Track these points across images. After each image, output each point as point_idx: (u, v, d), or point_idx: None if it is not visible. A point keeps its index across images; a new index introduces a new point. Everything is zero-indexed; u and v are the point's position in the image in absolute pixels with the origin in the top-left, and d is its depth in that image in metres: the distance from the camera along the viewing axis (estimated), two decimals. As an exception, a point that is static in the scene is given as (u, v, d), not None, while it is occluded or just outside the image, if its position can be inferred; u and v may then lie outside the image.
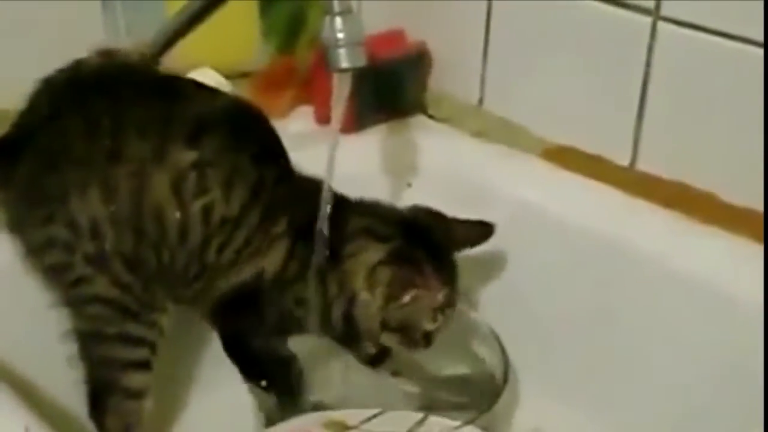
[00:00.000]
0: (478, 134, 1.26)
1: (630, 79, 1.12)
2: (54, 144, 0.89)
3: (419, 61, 1.30)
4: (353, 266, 0.94)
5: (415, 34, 1.30)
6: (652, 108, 1.12)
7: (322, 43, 0.87)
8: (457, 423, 0.92)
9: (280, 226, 0.93)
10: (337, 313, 0.95)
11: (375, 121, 1.27)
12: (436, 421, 0.92)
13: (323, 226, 0.92)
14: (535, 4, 1.18)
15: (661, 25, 1.09)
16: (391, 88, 1.28)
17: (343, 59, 0.87)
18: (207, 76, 1.15)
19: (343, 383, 1.07)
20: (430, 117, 1.31)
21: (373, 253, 0.94)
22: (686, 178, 1.10)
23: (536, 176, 1.19)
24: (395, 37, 1.30)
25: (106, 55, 0.97)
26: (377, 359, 0.98)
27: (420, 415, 0.93)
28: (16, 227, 0.92)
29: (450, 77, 1.30)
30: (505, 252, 1.16)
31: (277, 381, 0.99)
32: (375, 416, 0.93)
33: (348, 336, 0.97)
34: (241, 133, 0.91)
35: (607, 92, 1.15)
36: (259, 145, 0.93)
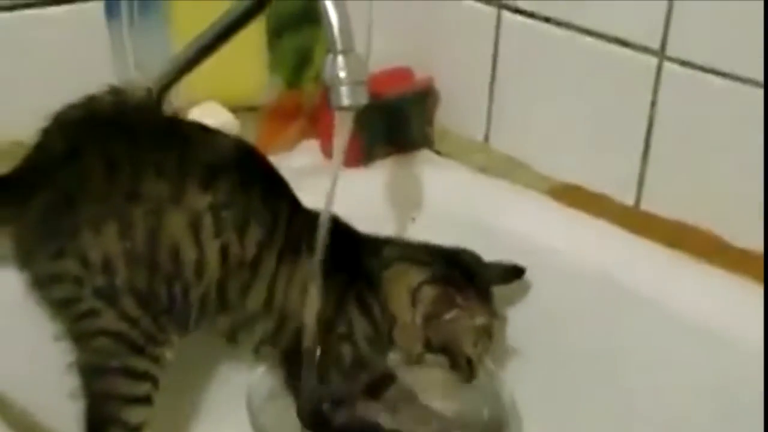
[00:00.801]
0: (484, 170, 1.26)
1: (635, 118, 1.12)
2: (71, 181, 0.90)
3: (426, 96, 1.30)
4: (394, 289, 0.98)
5: (422, 71, 1.31)
6: (656, 147, 1.12)
7: (323, 81, 0.87)
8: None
9: (302, 271, 0.95)
10: (384, 335, 0.99)
11: (381, 156, 1.27)
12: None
13: (320, 255, 0.92)
14: (542, 42, 1.19)
15: (666, 65, 1.09)
16: (397, 123, 1.29)
17: (345, 97, 0.87)
18: (212, 110, 1.15)
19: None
20: (436, 152, 1.31)
21: (415, 276, 0.98)
22: (689, 218, 1.10)
23: (540, 213, 1.19)
24: (403, 73, 1.31)
25: (116, 93, 0.99)
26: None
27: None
28: (24, 260, 0.93)
29: (456, 113, 1.30)
30: (507, 288, 1.15)
31: None
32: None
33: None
34: (251, 175, 0.94)
35: (613, 131, 1.16)
36: (268, 185, 0.95)
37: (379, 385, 1.04)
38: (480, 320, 0.98)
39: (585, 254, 1.13)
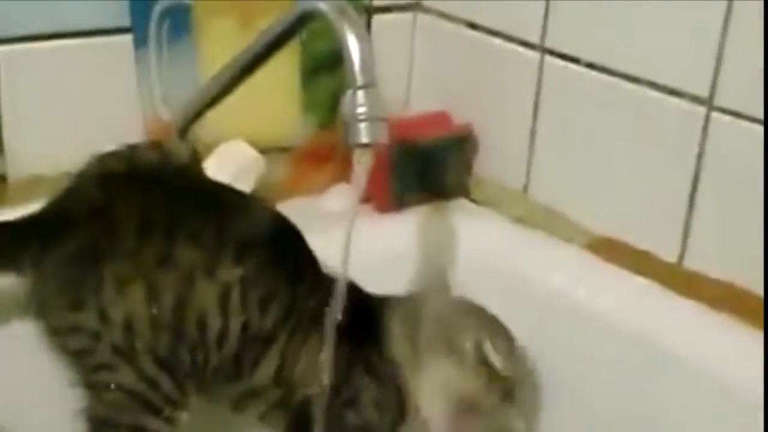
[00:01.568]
0: (521, 221, 1.21)
1: (680, 170, 1.07)
2: (101, 234, 0.87)
3: (464, 143, 1.26)
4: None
5: (461, 116, 1.27)
6: (702, 202, 1.06)
7: (341, 117, 0.84)
8: None
9: (315, 340, 0.91)
10: (394, 397, 0.94)
11: (415, 202, 1.23)
12: None
13: (336, 312, 0.89)
14: (587, 90, 1.14)
15: (714, 115, 1.04)
16: (433, 169, 1.25)
17: (364, 134, 0.83)
18: (239, 150, 1.13)
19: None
20: (473, 201, 1.27)
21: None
22: (735, 278, 1.04)
23: (579, 268, 1.14)
24: (441, 118, 1.27)
25: (160, 149, 0.96)
26: None
27: None
28: (41, 307, 0.90)
29: (495, 161, 1.26)
30: (542, 344, 1.09)
31: None
32: None
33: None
34: (280, 252, 0.91)
35: (656, 184, 1.10)
36: (294, 263, 0.92)
37: None
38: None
39: (623, 311, 1.07)
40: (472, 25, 1.25)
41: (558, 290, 1.12)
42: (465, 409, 0.94)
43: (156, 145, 0.96)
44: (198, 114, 1.07)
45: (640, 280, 1.09)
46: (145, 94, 1.14)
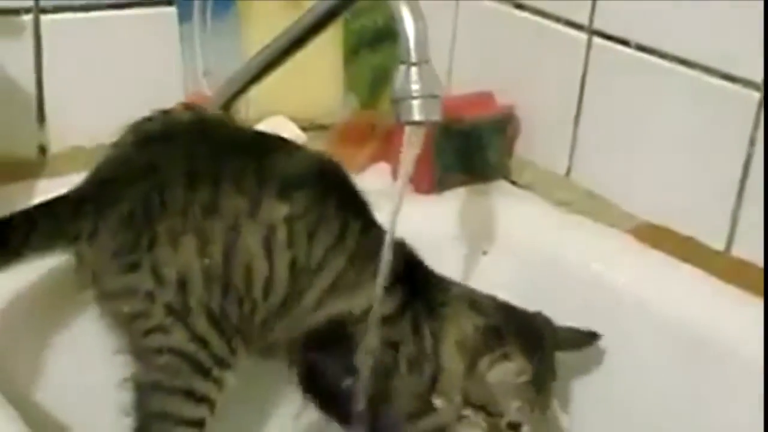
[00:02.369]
0: (563, 205, 1.19)
1: (731, 156, 1.05)
2: (151, 194, 0.88)
3: (506, 124, 1.24)
4: (449, 331, 0.94)
5: (504, 97, 1.25)
6: (752, 189, 1.04)
7: (393, 94, 0.82)
8: None
9: (369, 272, 0.91)
10: (427, 371, 0.94)
11: (455, 183, 1.22)
12: None
13: (383, 279, 0.89)
14: (635, 73, 1.12)
15: (768, 100, 1.02)
16: (474, 151, 1.23)
17: (417, 111, 0.82)
18: (281, 126, 1.12)
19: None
20: (514, 183, 1.25)
21: (468, 321, 0.94)
22: (786, 267, 1.02)
23: (622, 255, 1.12)
24: (483, 99, 1.25)
25: (191, 107, 0.97)
26: None
27: None
28: (95, 273, 0.90)
29: (538, 144, 1.24)
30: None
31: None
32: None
33: (422, 401, 0.95)
34: (327, 187, 0.92)
35: (706, 170, 1.08)
36: (343, 197, 0.93)
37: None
38: (524, 377, 0.92)
39: (668, 300, 1.05)
40: (519, 5, 1.23)
41: (599, 277, 1.10)
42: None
43: (188, 106, 0.97)
44: (241, 90, 1.06)
45: (685, 267, 1.07)
46: (188, 67, 1.13)
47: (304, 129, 1.14)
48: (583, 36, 1.16)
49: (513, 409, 0.93)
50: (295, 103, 1.17)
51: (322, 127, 1.21)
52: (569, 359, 1.02)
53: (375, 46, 1.23)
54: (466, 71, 1.30)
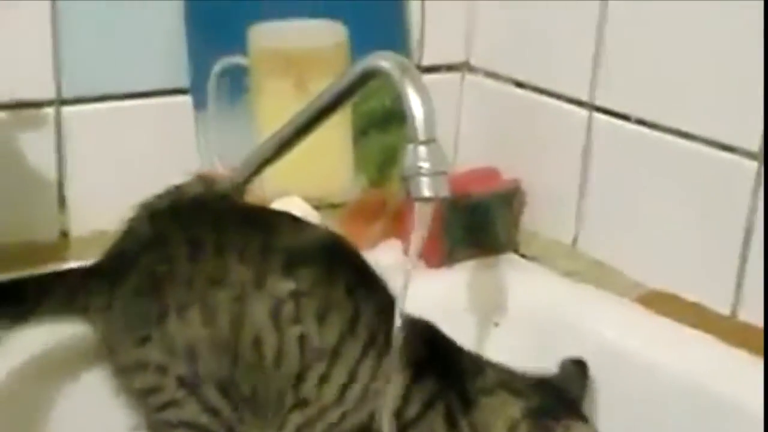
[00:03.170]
0: (571, 275, 1.21)
1: (732, 224, 1.07)
2: (158, 267, 0.89)
3: (512, 198, 1.27)
4: (493, 423, 0.93)
5: (509, 172, 1.28)
6: (755, 254, 1.06)
7: (403, 173, 0.85)
8: None
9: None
10: None
11: (464, 257, 1.24)
12: None
13: (394, 356, 0.89)
14: (636, 146, 1.16)
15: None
16: (482, 225, 1.26)
17: (426, 188, 0.84)
18: (294, 205, 1.14)
19: None
20: (522, 255, 1.27)
21: (514, 408, 0.93)
22: (791, 330, 1.04)
23: (630, 321, 1.13)
24: (489, 174, 1.28)
25: (203, 180, 0.99)
26: None
27: None
28: (110, 348, 0.92)
29: (544, 216, 1.27)
30: (594, 399, 1.09)
31: None
32: None
33: None
34: (335, 267, 0.92)
35: (708, 237, 1.11)
36: (353, 278, 0.92)
37: None
38: None
39: (676, 365, 1.06)
40: (520, 84, 1.27)
41: (609, 344, 1.11)
42: None
43: (200, 177, 0.99)
44: (255, 171, 1.08)
45: (693, 332, 1.09)
46: (203, 151, 1.17)
47: (316, 207, 1.17)
48: (584, 112, 1.20)
49: None
50: (307, 182, 1.20)
51: (333, 206, 1.24)
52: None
53: (383, 127, 1.26)
54: (470, 148, 1.33)
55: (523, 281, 1.21)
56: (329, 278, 0.90)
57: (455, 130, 1.34)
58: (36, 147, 1.10)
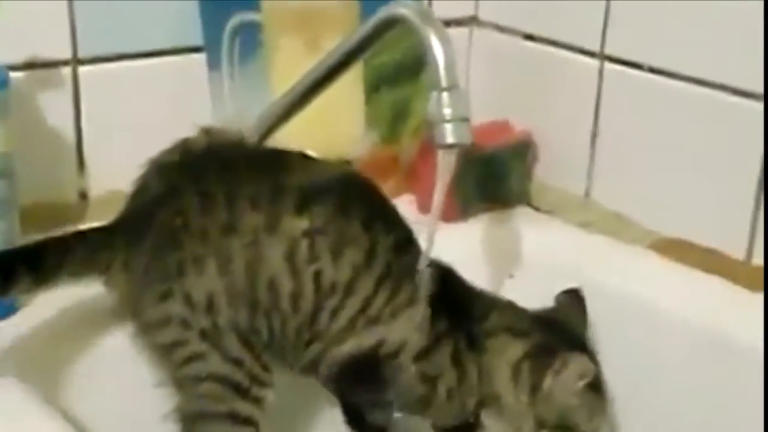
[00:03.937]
0: (585, 226, 1.22)
1: (745, 168, 1.08)
2: (172, 221, 0.89)
3: (524, 150, 1.28)
4: (497, 364, 0.95)
5: (521, 124, 1.29)
6: (769, 199, 1.07)
7: (427, 119, 0.86)
8: None
9: (404, 296, 0.91)
10: (470, 403, 0.95)
11: (478, 210, 1.25)
12: None
13: (422, 305, 0.90)
14: (648, 94, 1.16)
15: (780, 113, 1.05)
16: (495, 178, 1.26)
17: (450, 135, 0.85)
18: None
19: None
20: (535, 208, 1.28)
21: (515, 350, 0.95)
22: (806, 272, 1.05)
23: (645, 269, 1.15)
24: (500, 126, 1.29)
25: (210, 133, 0.98)
26: None
27: None
28: (133, 307, 0.92)
29: (556, 168, 1.28)
30: (611, 347, 1.10)
31: None
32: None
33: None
34: (350, 201, 0.91)
35: (721, 182, 1.12)
36: (369, 212, 0.92)
37: None
38: (585, 378, 0.93)
39: (693, 310, 1.07)
40: (530, 37, 1.27)
41: (625, 293, 1.12)
42: None
43: (206, 130, 0.97)
44: (269, 129, 1.09)
45: (709, 278, 1.10)
46: (217, 110, 1.17)
47: (328, 164, 1.18)
48: (595, 62, 1.20)
49: (585, 419, 0.94)
50: (320, 139, 1.19)
51: (346, 162, 1.25)
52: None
53: (394, 82, 1.26)
54: (481, 102, 1.32)
55: (536, 233, 1.22)
56: (344, 213, 0.90)
57: (464, 85, 1.34)
58: (53, 108, 1.10)
